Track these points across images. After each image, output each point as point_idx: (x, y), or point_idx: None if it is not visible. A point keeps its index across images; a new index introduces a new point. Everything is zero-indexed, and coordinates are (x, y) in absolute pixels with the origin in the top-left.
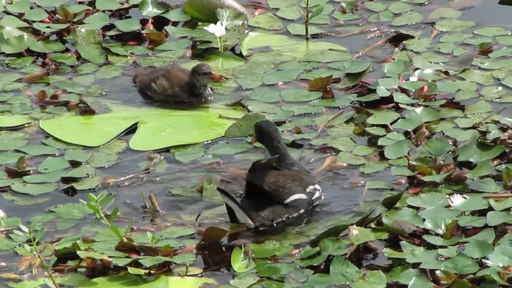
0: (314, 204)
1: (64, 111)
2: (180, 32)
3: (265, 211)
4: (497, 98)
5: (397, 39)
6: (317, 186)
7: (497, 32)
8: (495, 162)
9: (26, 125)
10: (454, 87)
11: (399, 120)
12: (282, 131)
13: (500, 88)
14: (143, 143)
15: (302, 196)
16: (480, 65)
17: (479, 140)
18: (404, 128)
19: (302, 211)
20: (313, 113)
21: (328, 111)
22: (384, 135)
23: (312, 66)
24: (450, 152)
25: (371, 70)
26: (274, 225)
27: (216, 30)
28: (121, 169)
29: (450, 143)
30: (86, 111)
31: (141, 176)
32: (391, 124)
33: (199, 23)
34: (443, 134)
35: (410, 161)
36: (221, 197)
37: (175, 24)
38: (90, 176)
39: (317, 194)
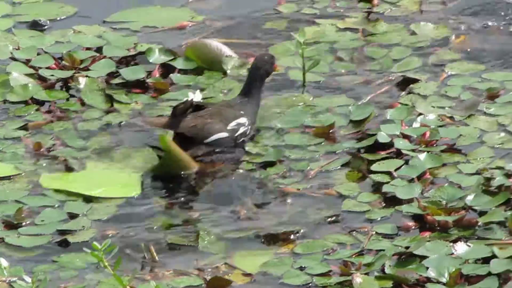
0: (239, 140)
1: (55, 164)
2: (186, 80)
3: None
4: (499, 144)
5: (403, 84)
6: (241, 120)
7: (505, 77)
8: (500, 209)
9: (16, 176)
10: (456, 132)
11: (403, 166)
12: (273, 174)
13: (502, 134)
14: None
15: (223, 134)
16: (486, 110)
17: (483, 187)
18: (409, 174)
19: (225, 148)
20: (310, 157)
21: (327, 156)
22: (388, 182)
23: (316, 111)
24: (460, 199)
25: (376, 115)
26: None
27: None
28: (121, 221)
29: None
30: (69, 167)
31: (138, 226)
32: (395, 170)
33: (205, 71)
34: (447, 180)
35: (420, 203)
36: (154, 151)
37: (181, 71)
38: (85, 228)
39: (241, 130)
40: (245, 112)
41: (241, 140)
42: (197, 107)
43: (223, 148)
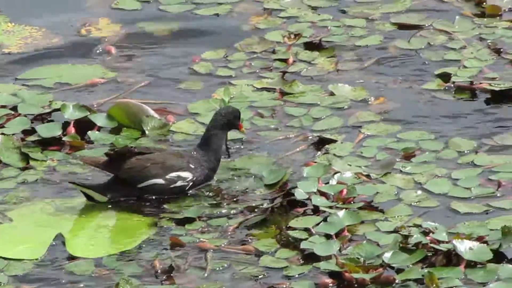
0: (174, 193)
1: None
2: (103, 138)
3: (117, 192)
4: (416, 202)
5: (320, 143)
6: (184, 174)
7: (420, 136)
8: (417, 266)
9: None
10: (373, 190)
11: (321, 223)
12: (191, 230)
13: (419, 192)
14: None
15: (158, 181)
16: (402, 169)
17: (401, 245)
18: (326, 231)
19: (159, 195)
20: (229, 213)
21: (246, 213)
22: (306, 239)
23: (235, 174)
24: (378, 256)
25: (289, 177)
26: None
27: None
28: (37, 276)
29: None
30: None
31: (54, 281)
32: (313, 227)
33: (124, 128)
34: (365, 237)
35: (338, 260)
36: (75, 186)
37: (100, 129)
38: (2, 284)
39: (179, 183)
40: (195, 166)
41: (177, 192)
42: (142, 152)
43: (156, 196)
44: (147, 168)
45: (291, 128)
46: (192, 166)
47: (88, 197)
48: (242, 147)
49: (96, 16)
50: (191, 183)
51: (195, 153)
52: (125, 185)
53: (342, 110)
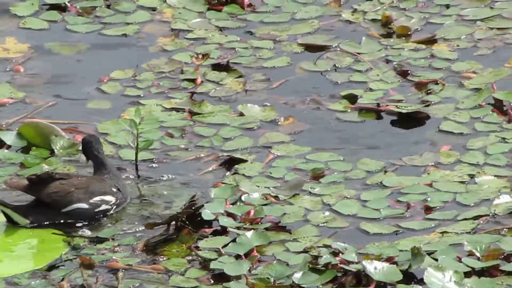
0: (99, 216)
1: None
2: (12, 157)
3: (39, 216)
4: (323, 223)
5: (229, 164)
6: (107, 198)
7: (329, 157)
8: (327, 286)
9: None
10: (281, 211)
11: (230, 244)
12: (102, 249)
13: (327, 213)
14: None
15: (82, 205)
16: (310, 190)
17: (310, 265)
18: (236, 251)
19: (83, 220)
20: (137, 232)
21: (154, 231)
22: (216, 259)
23: (144, 194)
24: (288, 276)
25: (197, 198)
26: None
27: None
28: None
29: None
30: None
31: None
32: (223, 247)
33: (33, 148)
34: (275, 257)
35: (248, 279)
36: None
37: (8, 147)
38: None
39: (102, 207)
40: (116, 189)
41: (100, 216)
42: (63, 177)
43: (80, 220)
44: (71, 193)
45: (202, 148)
46: (114, 190)
47: (8, 218)
48: (154, 165)
49: (4, 36)
50: (114, 206)
51: (106, 175)
52: (49, 209)
53: (252, 131)
